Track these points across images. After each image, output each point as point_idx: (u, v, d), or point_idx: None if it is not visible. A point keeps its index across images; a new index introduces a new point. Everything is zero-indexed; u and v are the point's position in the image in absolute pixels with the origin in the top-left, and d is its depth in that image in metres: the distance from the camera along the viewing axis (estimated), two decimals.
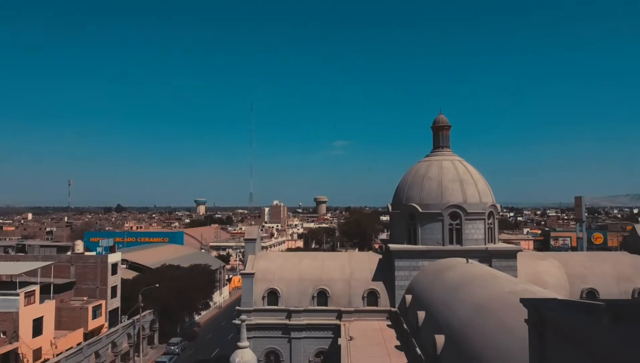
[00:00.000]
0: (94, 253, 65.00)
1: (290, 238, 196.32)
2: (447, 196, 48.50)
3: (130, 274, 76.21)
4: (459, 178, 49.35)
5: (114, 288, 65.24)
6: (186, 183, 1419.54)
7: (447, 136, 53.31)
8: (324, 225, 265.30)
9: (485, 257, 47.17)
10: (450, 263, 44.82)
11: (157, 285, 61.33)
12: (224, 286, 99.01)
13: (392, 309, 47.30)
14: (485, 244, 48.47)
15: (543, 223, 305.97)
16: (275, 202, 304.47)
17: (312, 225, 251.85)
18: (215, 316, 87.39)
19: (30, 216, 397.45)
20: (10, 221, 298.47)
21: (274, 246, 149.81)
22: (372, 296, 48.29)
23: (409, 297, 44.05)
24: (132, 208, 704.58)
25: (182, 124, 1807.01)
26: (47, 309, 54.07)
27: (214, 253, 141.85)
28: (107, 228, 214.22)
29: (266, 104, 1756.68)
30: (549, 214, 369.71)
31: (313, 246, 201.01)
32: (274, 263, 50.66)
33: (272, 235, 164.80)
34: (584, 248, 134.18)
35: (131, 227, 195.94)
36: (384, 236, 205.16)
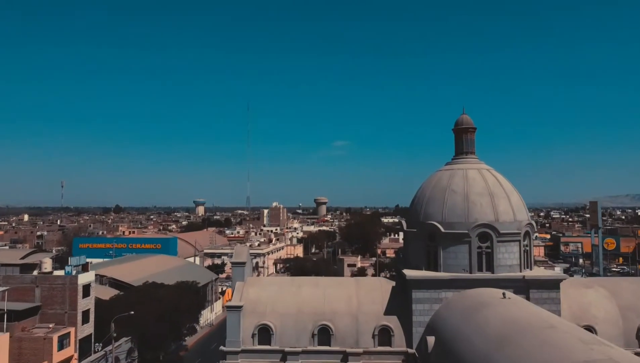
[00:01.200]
0: (62, 273, 56.35)
1: (289, 242, 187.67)
2: (475, 213, 39.88)
3: (110, 293, 67.69)
4: (489, 190, 40.73)
5: (86, 313, 56.63)
6: (186, 184, 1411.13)
7: (472, 140, 44.66)
8: (324, 228, 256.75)
9: (522, 287, 38.62)
10: (483, 297, 36.24)
11: (132, 313, 52.68)
12: (216, 300, 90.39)
13: (409, 350, 38.68)
14: (520, 270, 39.87)
15: (548, 225, 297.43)
16: (274, 204, 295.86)
17: (312, 228, 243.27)
18: (206, 337, 78.70)
19: (26, 217, 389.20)
20: (6, 223, 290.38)
21: (272, 252, 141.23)
22: (384, 334, 39.64)
23: (431, 339, 35.45)
24: (132, 208, 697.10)
25: (182, 124, 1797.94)
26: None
27: (209, 261, 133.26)
28: (100, 232, 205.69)
29: (265, 103, 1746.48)
30: (553, 216, 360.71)
31: (313, 250, 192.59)
32: (266, 291, 41.99)
33: (270, 241, 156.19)
34: (600, 257, 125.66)
35: (123, 232, 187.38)
36: (386, 241, 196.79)
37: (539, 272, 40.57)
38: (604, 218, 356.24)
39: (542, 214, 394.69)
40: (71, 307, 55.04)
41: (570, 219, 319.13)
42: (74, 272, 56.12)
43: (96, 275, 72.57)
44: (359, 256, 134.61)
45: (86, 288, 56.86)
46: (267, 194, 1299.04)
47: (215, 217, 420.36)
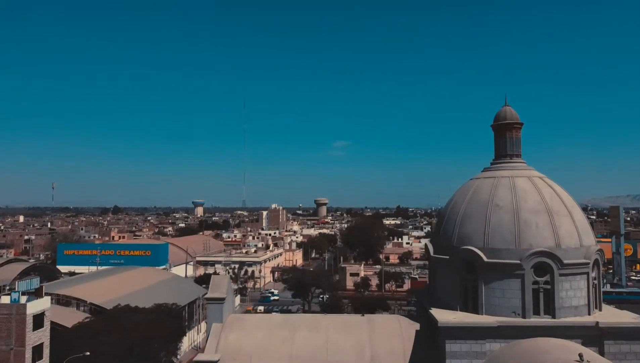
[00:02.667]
0: (8, 300, 45.98)
1: (288, 247, 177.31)
2: (529, 237, 29.54)
3: (77, 317, 57.49)
4: (546, 206, 30.37)
5: (38, 348, 46.41)
6: (186, 184, 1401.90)
7: (517, 139, 34.29)
8: (324, 231, 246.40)
9: (594, 338, 28.29)
10: (544, 353, 25.98)
11: (88, 354, 42.47)
12: (203, 319, 79.91)
13: None
14: (589, 312, 29.55)
15: None
16: (273, 206, 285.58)
17: (312, 231, 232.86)
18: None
19: (21, 218, 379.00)
20: (0, 225, 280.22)
21: (270, 260, 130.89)
22: None
23: None
24: (131, 209, 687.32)
25: (183, 124, 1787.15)
26: None
27: (201, 270, 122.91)
28: (92, 236, 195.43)
29: (263, 102, 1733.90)
30: None
31: (313, 255, 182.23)
32: (251, 338, 31.62)
33: (267, 247, 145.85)
34: (622, 267, 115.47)
35: (113, 237, 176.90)
36: (390, 246, 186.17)
37: (615, 316, 30.16)
38: (607, 219, 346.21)
39: None
40: (18, 342, 44.79)
41: None
42: (22, 300, 45.85)
43: (62, 296, 62.59)
44: (362, 264, 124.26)
45: (39, 318, 46.65)
46: (267, 194, 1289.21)
47: (213, 218, 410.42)
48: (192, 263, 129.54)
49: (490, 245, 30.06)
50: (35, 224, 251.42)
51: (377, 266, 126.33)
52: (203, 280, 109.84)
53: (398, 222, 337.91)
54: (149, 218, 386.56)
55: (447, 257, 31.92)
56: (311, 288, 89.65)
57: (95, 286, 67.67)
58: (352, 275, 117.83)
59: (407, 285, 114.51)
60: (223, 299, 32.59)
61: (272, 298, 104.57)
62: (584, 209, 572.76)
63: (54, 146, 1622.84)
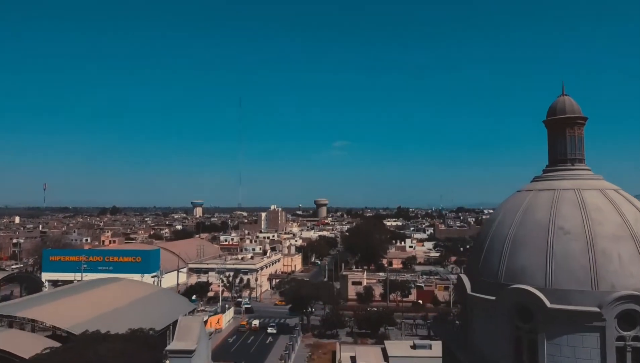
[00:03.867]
0: None
1: (287, 252, 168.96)
2: (611, 274, 21.15)
3: (43, 343, 49.27)
4: (631, 231, 21.95)
5: None
6: (186, 184, 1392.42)
7: (581, 139, 25.87)
8: (325, 233, 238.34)
9: None
10: None
11: None
12: None
13: None
14: None
15: None
16: (272, 207, 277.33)
17: (311, 234, 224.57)
18: None
19: (17, 219, 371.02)
20: None
21: (267, 266, 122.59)
22: None
23: None
24: (131, 209, 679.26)
25: (182, 123, 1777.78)
26: None
27: (194, 278, 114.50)
28: (84, 239, 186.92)
29: (261, 100, 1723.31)
30: None
31: (313, 259, 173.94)
32: None
33: (265, 253, 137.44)
34: None
35: (103, 241, 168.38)
36: (392, 250, 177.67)
37: None
38: None
39: None
40: None
41: None
42: None
43: (26, 319, 54.32)
44: (364, 272, 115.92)
45: None
46: (266, 195, 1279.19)
47: (212, 219, 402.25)
48: (185, 269, 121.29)
49: (554, 284, 21.65)
50: (29, 226, 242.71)
51: (381, 274, 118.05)
52: (194, 290, 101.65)
53: (399, 223, 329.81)
54: (146, 219, 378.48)
55: (492, 298, 23.46)
56: (310, 301, 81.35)
57: (63, 305, 59.30)
58: (354, 283, 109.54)
59: (413, 295, 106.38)
60: (192, 352, 24.14)
61: (244, 305, 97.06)
62: None
63: (53, 146, 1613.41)
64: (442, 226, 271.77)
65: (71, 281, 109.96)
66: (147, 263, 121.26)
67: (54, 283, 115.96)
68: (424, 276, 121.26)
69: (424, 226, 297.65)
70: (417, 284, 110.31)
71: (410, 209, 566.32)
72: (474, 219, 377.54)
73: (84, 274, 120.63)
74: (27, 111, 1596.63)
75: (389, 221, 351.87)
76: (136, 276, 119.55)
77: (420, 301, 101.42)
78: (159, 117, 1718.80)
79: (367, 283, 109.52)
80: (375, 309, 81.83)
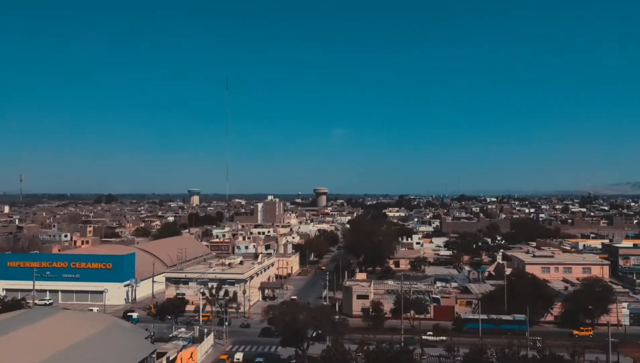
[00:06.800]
0: None
1: (282, 251, 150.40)
2: None
3: None
4: None
5: None
6: (184, 170, 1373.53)
7: None
8: (324, 226, 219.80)
9: None
10: None
11: None
12: None
13: None
14: None
15: (570, 221, 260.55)
16: (269, 198, 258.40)
17: (310, 227, 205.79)
18: None
19: (6, 209, 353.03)
20: None
21: (258, 274, 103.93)
22: None
23: None
24: (129, 196, 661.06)
25: (183, 109, 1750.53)
26: None
27: (172, 290, 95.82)
28: (62, 235, 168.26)
29: (260, 85, 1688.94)
30: (572, 209, 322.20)
31: (312, 257, 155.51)
32: None
33: (256, 257, 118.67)
34: None
35: (75, 242, 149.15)
36: (403, 250, 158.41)
37: None
38: (622, 211, 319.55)
39: (558, 207, 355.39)
40: None
41: (592, 215, 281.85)
42: None
43: None
44: (371, 283, 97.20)
45: None
46: (264, 182, 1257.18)
47: (208, 208, 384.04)
48: (163, 276, 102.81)
49: None
50: (3, 220, 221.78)
51: (390, 282, 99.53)
52: (166, 310, 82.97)
53: (402, 214, 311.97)
54: (140, 209, 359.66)
55: None
56: (307, 333, 62.93)
57: None
58: (359, 297, 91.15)
59: (430, 311, 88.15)
60: None
61: (134, 319, 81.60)
62: (588, 198, 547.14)
63: (51, 132, 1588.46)
64: (449, 219, 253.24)
65: (30, 291, 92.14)
66: (120, 270, 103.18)
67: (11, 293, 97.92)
68: (439, 285, 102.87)
69: (428, 217, 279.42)
70: (433, 295, 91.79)
71: (412, 197, 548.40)
72: (478, 208, 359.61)
73: (47, 282, 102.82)
74: (24, 94, 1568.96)
75: (391, 211, 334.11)
76: (108, 285, 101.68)
77: (438, 322, 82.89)
78: (159, 101, 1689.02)
79: (374, 295, 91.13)
80: (390, 343, 63.21)
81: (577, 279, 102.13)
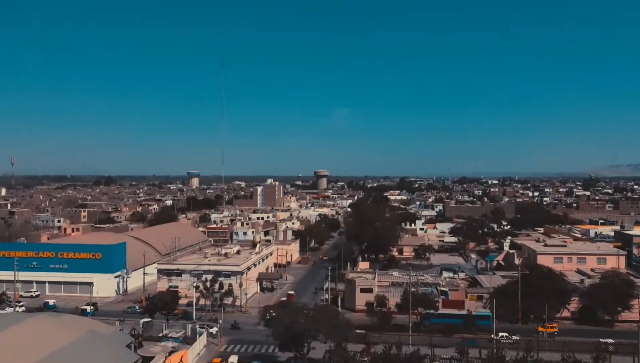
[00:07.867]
0: None
1: (282, 237, 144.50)
2: None
3: None
4: None
5: None
6: (185, 151, 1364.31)
7: None
8: (325, 210, 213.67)
9: None
10: None
11: None
12: None
13: None
14: None
15: (575, 205, 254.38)
16: (269, 181, 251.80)
17: (311, 212, 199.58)
18: None
19: (3, 191, 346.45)
20: None
21: (256, 265, 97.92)
22: None
23: None
24: (128, 177, 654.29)
25: (186, 90, 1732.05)
26: None
27: (164, 282, 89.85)
28: (56, 221, 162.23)
29: (261, 65, 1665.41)
30: (576, 193, 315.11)
31: (312, 244, 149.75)
32: None
33: (254, 246, 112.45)
34: None
35: (65, 229, 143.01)
36: (407, 237, 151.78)
37: None
38: (627, 192, 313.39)
39: (562, 190, 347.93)
40: None
41: (597, 199, 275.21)
42: None
43: None
44: (375, 275, 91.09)
45: None
46: (265, 163, 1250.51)
47: (208, 191, 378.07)
48: (154, 267, 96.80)
49: None
50: (6, 201, 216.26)
51: (395, 273, 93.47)
52: (161, 302, 76.76)
53: (404, 197, 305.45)
54: (139, 191, 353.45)
55: None
56: (308, 338, 56.86)
57: None
58: (363, 291, 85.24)
59: (439, 307, 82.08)
60: None
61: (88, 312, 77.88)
62: (590, 180, 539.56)
63: (52, 113, 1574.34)
64: (452, 203, 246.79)
65: (13, 281, 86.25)
66: (109, 260, 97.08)
67: None
68: (446, 276, 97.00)
69: (430, 200, 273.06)
70: (441, 288, 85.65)
71: (413, 179, 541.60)
72: (480, 191, 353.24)
73: (33, 273, 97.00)
74: (24, 75, 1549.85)
75: (392, 194, 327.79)
76: (97, 276, 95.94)
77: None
78: (160, 83, 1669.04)
79: (379, 289, 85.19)
80: (397, 345, 57.20)
81: (592, 270, 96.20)
